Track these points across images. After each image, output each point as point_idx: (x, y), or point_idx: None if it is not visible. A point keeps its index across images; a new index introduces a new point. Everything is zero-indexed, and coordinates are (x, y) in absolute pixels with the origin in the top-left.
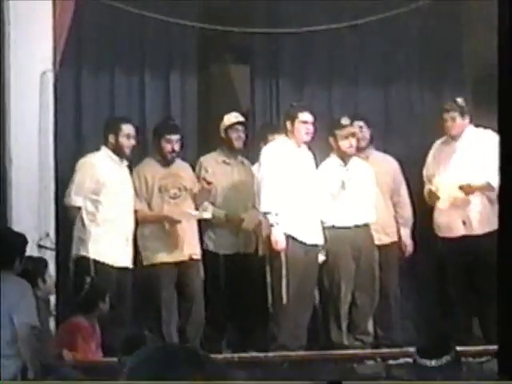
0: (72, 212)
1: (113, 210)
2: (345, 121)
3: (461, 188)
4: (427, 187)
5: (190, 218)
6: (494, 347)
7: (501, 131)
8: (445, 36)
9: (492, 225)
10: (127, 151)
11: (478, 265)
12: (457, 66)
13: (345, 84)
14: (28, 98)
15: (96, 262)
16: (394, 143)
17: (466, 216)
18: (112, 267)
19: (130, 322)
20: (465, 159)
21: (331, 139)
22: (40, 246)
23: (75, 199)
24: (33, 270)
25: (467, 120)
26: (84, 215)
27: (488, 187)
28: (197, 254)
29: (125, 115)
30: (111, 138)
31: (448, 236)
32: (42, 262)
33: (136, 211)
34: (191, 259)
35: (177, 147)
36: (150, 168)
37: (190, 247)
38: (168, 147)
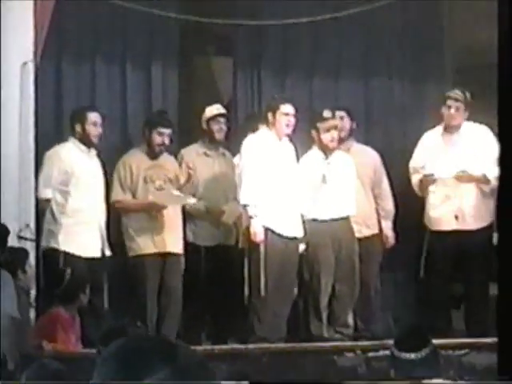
0: (42, 204)
1: (83, 200)
2: (327, 113)
3: (457, 177)
4: (417, 176)
5: (175, 203)
6: (474, 340)
7: (501, 131)
8: (427, 27)
9: (485, 220)
10: (94, 140)
11: (467, 259)
12: (439, 58)
13: (327, 76)
14: (9, 88)
15: (66, 254)
16: (376, 135)
17: (459, 210)
18: (83, 258)
19: (110, 313)
20: (463, 153)
21: (313, 132)
22: (20, 237)
23: (44, 191)
24: (13, 261)
25: (467, 114)
26: (54, 207)
27: (483, 179)
28: (180, 246)
29: (98, 105)
30: (78, 128)
31: (439, 229)
32: (23, 253)
33: (119, 201)
34: (174, 252)
35: (167, 141)
36: (136, 158)
37: (173, 239)
38: (158, 140)
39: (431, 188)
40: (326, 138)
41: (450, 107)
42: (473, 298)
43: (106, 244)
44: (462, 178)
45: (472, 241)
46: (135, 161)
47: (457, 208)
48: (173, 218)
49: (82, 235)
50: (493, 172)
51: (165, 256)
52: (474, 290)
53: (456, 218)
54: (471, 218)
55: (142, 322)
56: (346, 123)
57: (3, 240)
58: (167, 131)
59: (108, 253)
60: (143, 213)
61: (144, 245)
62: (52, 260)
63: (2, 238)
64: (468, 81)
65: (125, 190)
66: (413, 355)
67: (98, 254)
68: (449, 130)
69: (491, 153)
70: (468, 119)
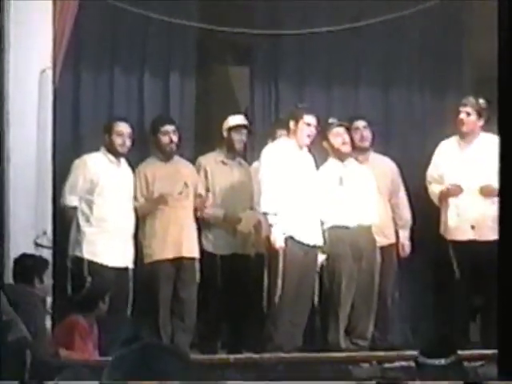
0: (68, 212)
1: (108, 209)
2: (332, 120)
3: (481, 190)
4: (437, 186)
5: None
6: (490, 351)
7: (501, 131)
8: (446, 38)
9: None
10: (120, 149)
11: (483, 270)
12: (458, 69)
13: (345, 86)
14: (27, 96)
15: (91, 263)
16: (394, 146)
17: (476, 220)
18: (108, 268)
19: (130, 322)
20: (481, 162)
21: (325, 143)
22: (37, 245)
23: (70, 199)
24: (32, 268)
25: (481, 122)
26: (79, 215)
27: None
28: (195, 251)
29: (121, 115)
30: (106, 138)
31: (456, 239)
32: (42, 262)
33: (136, 209)
34: (189, 259)
35: (175, 138)
36: (150, 166)
37: (188, 244)
38: (165, 139)
39: (451, 198)
40: (337, 141)
41: (460, 113)
42: (489, 309)
43: (131, 254)
44: (487, 191)
45: (488, 252)
46: (150, 169)
47: (473, 218)
48: (186, 221)
49: (107, 244)
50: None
51: (180, 263)
52: (490, 302)
53: (472, 228)
54: (488, 228)
55: (156, 330)
56: (368, 133)
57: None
58: (171, 128)
59: (130, 264)
60: (157, 219)
61: (159, 250)
62: (77, 268)
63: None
64: (488, 92)
65: (138, 199)
66: (442, 361)
67: (121, 264)
68: (462, 137)
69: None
70: (486, 129)
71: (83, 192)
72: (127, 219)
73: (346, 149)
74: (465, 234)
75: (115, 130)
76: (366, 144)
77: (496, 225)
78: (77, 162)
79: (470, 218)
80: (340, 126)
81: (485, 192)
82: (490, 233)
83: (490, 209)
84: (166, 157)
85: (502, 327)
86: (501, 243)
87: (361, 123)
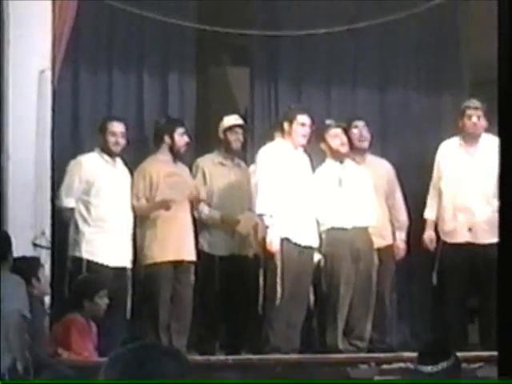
0: (65, 213)
1: (106, 209)
2: (329, 121)
3: None
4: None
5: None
6: (489, 353)
7: (501, 132)
8: (443, 40)
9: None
10: (114, 149)
11: (481, 272)
12: (455, 70)
13: (343, 87)
14: (26, 96)
15: (90, 262)
16: (391, 147)
17: (473, 223)
18: (107, 267)
19: (130, 324)
20: (480, 167)
21: (322, 144)
22: (35, 245)
23: (66, 201)
24: (27, 269)
25: (485, 123)
26: (77, 216)
27: None
28: (193, 255)
29: (120, 115)
30: (100, 137)
31: (452, 241)
32: (35, 261)
33: (133, 208)
34: (187, 261)
35: (187, 139)
36: (156, 166)
37: (187, 247)
38: (181, 141)
39: (449, 201)
40: (336, 143)
41: (470, 116)
42: (486, 311)
43: (130, 254)
44: None
45: (485, 254)
46: (155, 167)
47: (470, 221)
48: (186, 225)
49: (105, 244)
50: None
51: (178, 265)
52: (488, 304)
53: (469, 230)
54: (484, 231)
55: (155, 331)
56: (367, 133)
57: (7, 248)
58: (184, 130)
59: (129, 264)
60: (157, 221)
61: (160, 252)
62: (75, 268)
63: (5, 246)
64: (485, 94)
65: (139, 198)
66: (429, 368)
67: (121, 264)
68: (469, 139)
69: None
70: (487, 131)
71: (80, 193)
72: (125, 219)
73: (345, 149)
74: (461, 237)
75: (109, 130)
76: (365, 144)
77: (491, 227)
78: (72, 163)
79: (468, 221)
80: (337, 127)
81: None
82: (487, 235)
83: (487, 212)
84: (177, 157)
85: (501, 328)
86: (501, 244)
87: (360, 123)
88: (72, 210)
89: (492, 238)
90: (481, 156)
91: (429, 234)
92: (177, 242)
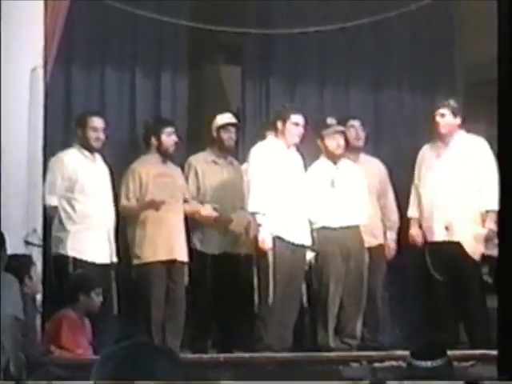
0: (49, 211)
1: (89, 206)
2: (330, 120)
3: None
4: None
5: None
6: (479, 352)
7: (501, 132)
8: (436, 39)
9: None
10: (95, 144)
11: (461, 270)
12: (448, 70)
13: (336, 86)
14: (18, 94)
15: (76, 260)
16: (384, 147)
17: (449, 222)
18: (93, 264)
19: (120, 320)
20: (454, 166)
21: (319, 141)
22: (27, 243)
23: (50, 199)
24: (18, 267)
25: (458, 121)
26: (61, 213)
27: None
28: (185, 254)
29: (108, 112)
30: (79, 133)
31: (430, 240)
32: (27, 259)
33: (123, 207)
34: (179, 261)
35: (176, 138)
36: (146, 166)
37: (179, 247)
38: (169, 141)
39: (427, 200)
40: (332, 144)
41: (435, 115)
42: (470, 310)
43: (115, 250)
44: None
45: (462, 252)
46: (145, 168)
47: (447, 219)
48: (177, 225)
49: (91, 241)
50: (486, 183)
51: (170, 264)
52: (470, 302)
53: (446, 229)
54: (461, 230)
55: (148, 330)
56: (362, 132)
57: (1, 246)
58: (172, 129)
59: (115, 259)
60: (147, 221)
61: (151, 252)
62: (61, 266)
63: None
64: (479, 95)
65: (129, 198)
66: (429, 363)
67: (106, 260)
68: (440, 139)
69: (484, 163)
70: (464, 128)
71: (63, 190)
72: (109, 215)
73: (340, 151)
74: (439, 236)
75: (90, 125)
76: (361, 143)
77: (470, 227)
78: (53, 160)
79: (445, 220)
80: (337, 131)
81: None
82: (464, 234)
83: (464, 210)
84: (166, 157)
85: (501, 327)
86: (501, 245)
87: (356, 122)
88: (55, 207)
89: (468, 235)
90: (453, 154)
91: (414, 231)
92: (168, 242)
